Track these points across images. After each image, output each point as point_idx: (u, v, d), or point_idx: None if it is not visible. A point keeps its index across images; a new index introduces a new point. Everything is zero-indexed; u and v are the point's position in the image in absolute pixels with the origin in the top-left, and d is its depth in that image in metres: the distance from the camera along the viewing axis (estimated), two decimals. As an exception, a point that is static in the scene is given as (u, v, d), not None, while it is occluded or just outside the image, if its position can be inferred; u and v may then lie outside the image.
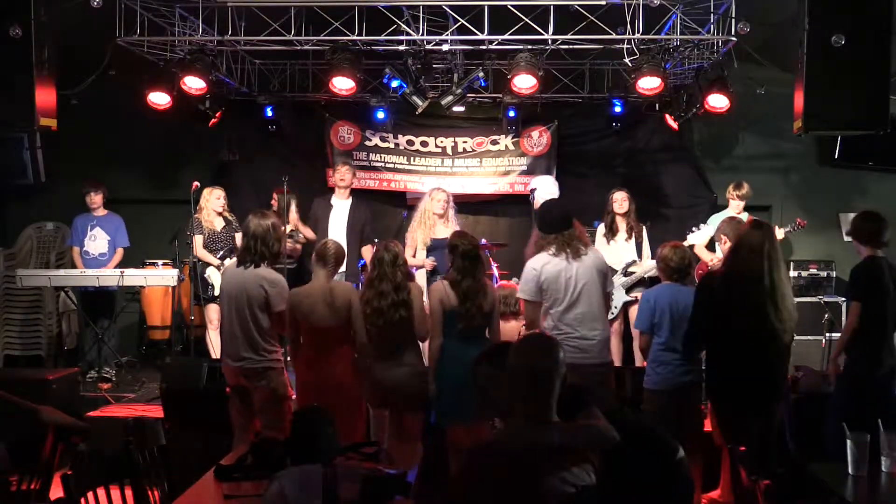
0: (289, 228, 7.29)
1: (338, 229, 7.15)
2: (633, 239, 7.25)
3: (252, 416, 4.79)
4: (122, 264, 7.52)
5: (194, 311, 7.40)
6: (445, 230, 6.88)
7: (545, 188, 7.22)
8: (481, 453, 2.62)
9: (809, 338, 7.33)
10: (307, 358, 4.85)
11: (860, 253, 5.03)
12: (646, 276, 7.05)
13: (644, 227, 7.37)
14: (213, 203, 7.27)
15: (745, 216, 6.79)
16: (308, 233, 7.51)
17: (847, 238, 8.20)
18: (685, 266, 4.92)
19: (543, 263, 4.67)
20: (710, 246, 7.14)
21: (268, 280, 4.70)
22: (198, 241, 7.20)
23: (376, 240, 7.28)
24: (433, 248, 6.90)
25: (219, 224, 7.30)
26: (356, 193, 7.86)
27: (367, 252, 7.19)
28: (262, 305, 4.69)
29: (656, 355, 4.79)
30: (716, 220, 7.15)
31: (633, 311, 7.14)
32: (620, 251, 7.22)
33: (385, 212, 8.84)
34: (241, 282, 4.72)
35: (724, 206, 7.66)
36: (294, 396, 4.96)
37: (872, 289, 4.85)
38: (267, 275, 4.72)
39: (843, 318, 7.64)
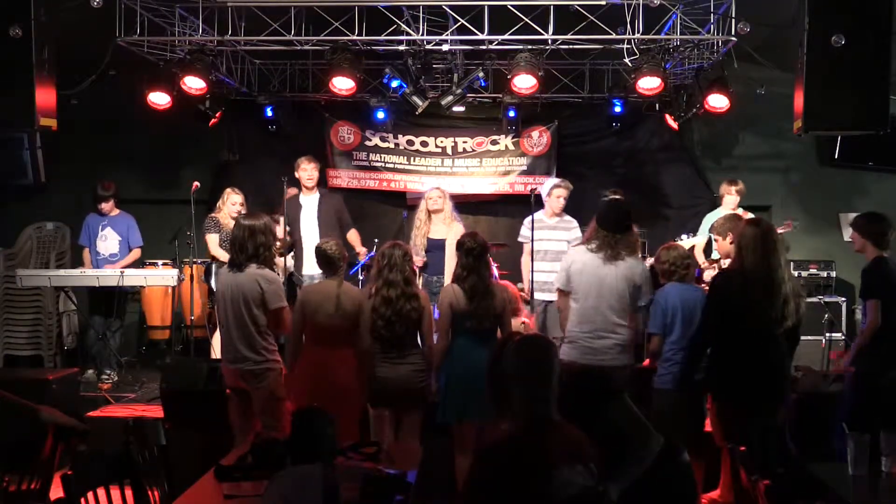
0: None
1: (310, 225, 7.08)
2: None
3: (252, 417, 4.78)
4: (123, 264, 7.49)
5: (194, 310, 7.40)
6: (444, 229, 6.89)
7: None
8: (488, 454, 2.62)
9: (809, 338, 7.25)
10: (308, 356, 4.85)
11: (864, 252, 5.02)
12: None
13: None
14: (228, 207, 7.21)
15: (748, 214, 6.65)
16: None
17: (848, 238, 8.25)
18: (677, 266, 4.90)
19: (578, 255, 4.78)
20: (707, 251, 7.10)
21: (263, 277, 4.70)
22: (213, 239, 7.11)
23: (376, 240, 7.26)
24: (429, 248, 6.91)
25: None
26: (330, 189, 7.78)
27: (354, 236, 7.19)
28: (259, 303, 4.68)
29: (668, 355, 4.78)
30: (709, 221, 7.05)
31: None
32: None
33: (385, 212, 8.84)
34: (236, 282, 4.71)
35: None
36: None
37: (888, 287, 4.85)
38: (262, 273, 4.71)
39: (843, 318, 7.65)
